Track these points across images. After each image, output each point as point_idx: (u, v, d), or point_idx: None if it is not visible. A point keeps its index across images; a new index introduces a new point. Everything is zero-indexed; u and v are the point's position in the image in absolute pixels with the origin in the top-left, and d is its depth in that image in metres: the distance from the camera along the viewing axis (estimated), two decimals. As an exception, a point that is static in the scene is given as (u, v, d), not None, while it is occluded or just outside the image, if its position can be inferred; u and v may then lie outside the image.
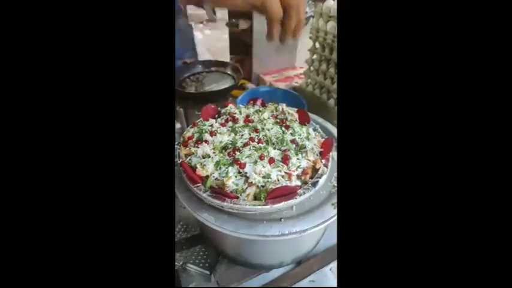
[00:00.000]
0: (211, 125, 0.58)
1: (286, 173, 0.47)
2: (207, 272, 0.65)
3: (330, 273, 0.67)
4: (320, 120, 0.68)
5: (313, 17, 1.20)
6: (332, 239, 0.69)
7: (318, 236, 0.61)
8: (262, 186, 0.46)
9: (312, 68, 1.32)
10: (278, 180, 0.46)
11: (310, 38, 1.22)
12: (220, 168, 0.48)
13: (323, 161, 0.51)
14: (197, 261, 0.68)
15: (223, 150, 0.52)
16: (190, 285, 0.64)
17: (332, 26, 1.08)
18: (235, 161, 0.48)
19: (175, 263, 0.66)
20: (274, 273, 0.66)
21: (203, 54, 2.48)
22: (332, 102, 1.21)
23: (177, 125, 1.13)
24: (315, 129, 0.61)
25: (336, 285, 0.63)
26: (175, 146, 0.55)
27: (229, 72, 1.30)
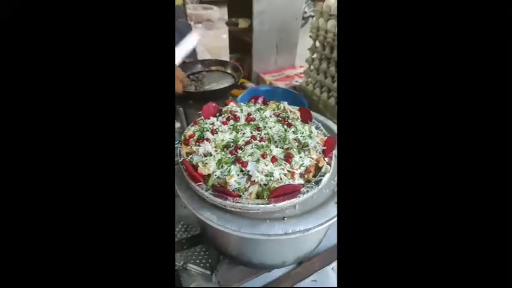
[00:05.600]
0: (213, 123, 0.58)
1: (289, 171, 0.47)
2: (208, 272, 0.64)
3: (331, 273, 0.67)
4: (322, 118, 0.68)
5: (313, 16, 1.20)
6: (334, 238, 0.68)
7: (320, 235, 0.60)
8: (265, 185, 0.46)
9: (312, 67, 1.32)
10: (281, 178, 0.46)
11: (311, 36, 1.22)
12: (222, 166, 0.47)
13: (326, 159, 0.51)
14: (198, 261, 0.68)
15: (225, 149, 0.52)
16: (191, 285, 0.64)
17: (332, 24, 1.08)
18: (237, 160, 0.47)
19: (176, 263, 0.65)
20: (276, 273, 0.65)
21: (202, 54, 2.48)
22: (332, 101, 1.20)
23: (177, 124, 1.12)
24: (317, 127, 0.60)
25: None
26: (176, 145, 0.55)
27: (229, 71, 1.30)
